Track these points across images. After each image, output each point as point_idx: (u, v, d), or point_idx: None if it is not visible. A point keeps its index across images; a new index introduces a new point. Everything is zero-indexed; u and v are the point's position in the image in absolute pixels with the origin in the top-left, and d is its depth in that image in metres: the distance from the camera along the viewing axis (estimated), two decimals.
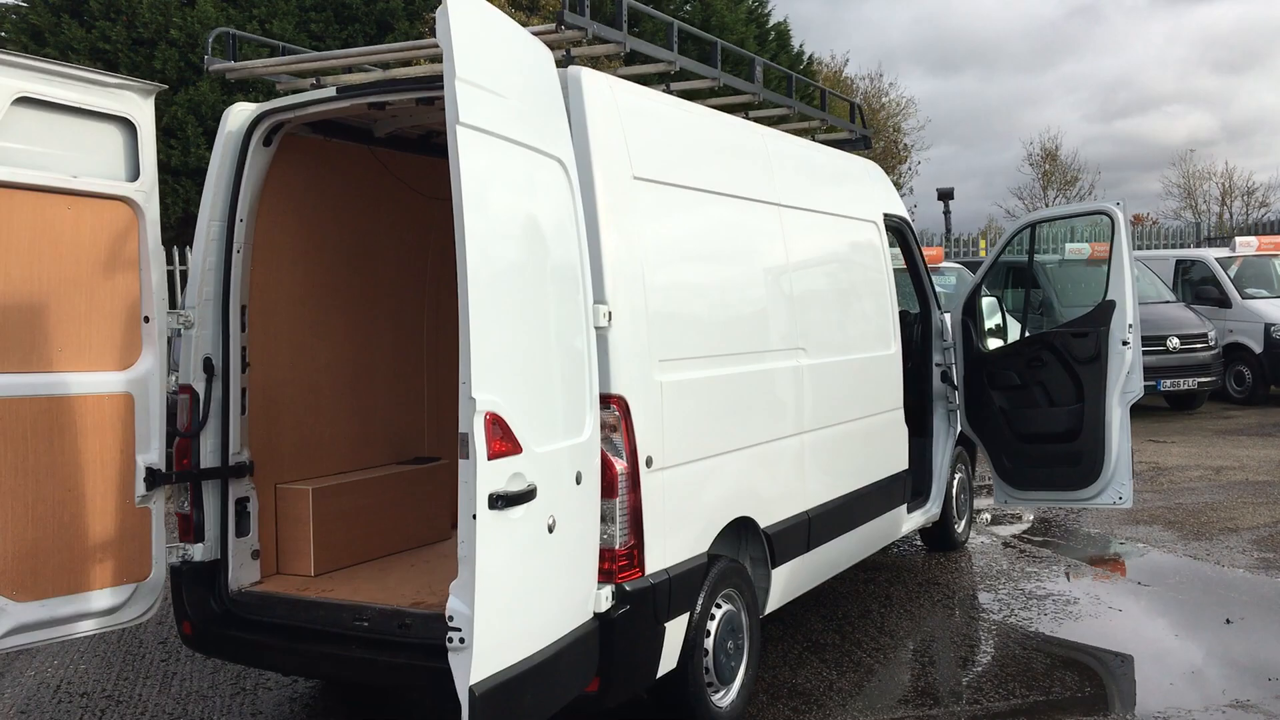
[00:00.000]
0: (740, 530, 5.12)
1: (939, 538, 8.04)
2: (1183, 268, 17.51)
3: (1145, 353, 14.93)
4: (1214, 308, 16.33)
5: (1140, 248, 22.47)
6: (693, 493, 4.59)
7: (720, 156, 5.20)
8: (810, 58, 33.07)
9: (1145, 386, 14.30)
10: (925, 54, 63.54)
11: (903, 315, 8.17)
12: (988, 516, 9.18)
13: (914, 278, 7.84)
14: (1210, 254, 17.50)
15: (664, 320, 4.45)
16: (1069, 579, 7.36)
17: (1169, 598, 6.90)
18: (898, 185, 43.74)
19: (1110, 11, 66.69)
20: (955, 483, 8.04)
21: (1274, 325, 15.67)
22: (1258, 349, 15.78)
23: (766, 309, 5.33)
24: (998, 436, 7.64)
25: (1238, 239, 17.56)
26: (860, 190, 6.82)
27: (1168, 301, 16.10)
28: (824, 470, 5.82)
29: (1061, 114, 63.88)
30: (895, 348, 6.89)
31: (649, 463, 4.25)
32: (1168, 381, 14.69)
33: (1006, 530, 8.74)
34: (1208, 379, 15.04)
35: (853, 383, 6.23)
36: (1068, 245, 16.70)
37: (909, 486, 7.08)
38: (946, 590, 7.13)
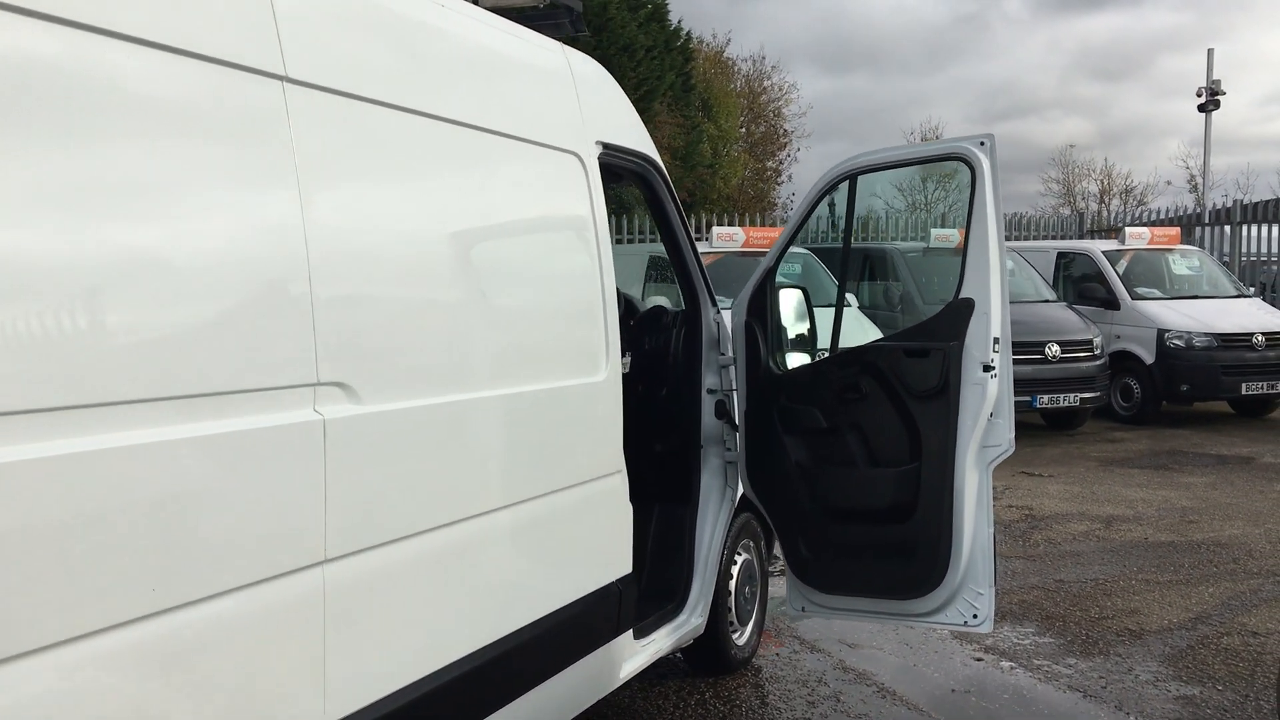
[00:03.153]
0: None
1: (707, 657, 5.24)
2: (1064, 261, 15.16)
3: (1019, 361, 12.38)
4: (1099, 309, 13.99)
5: (1018, 238, 20.22)
6: None
7: None
8: (688, 33, 30.51)
9: (1019, 403, 11.83)
10: (820, 53, 65.03)
11: (657, 314, 5.39)
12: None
13: (672, 254, 5.02)
14: (1096, 246, 15.18)
15: None
16: None
17: None
18: (777, 172, 41.63)
19: (994, 20, 69.24)
20: (737, 570, 5.27)
21: (1168, 331, 13.35)
22: (1149, 359, 13.45)
23: (194, 304, 2.40)
24: (792, 507, 4.88)
25: (1128, 230, 15.24)
26: (545, 95, 3.91)
27: (1047, 301, 13.69)
28: (393, 628, 2.92)
29: (946, 114, 66.13)
30: (608, 371, 4.04)
31: None
32: (1045, 397, 12.24)
33: (818, 631, 5.96)
34: (1092, 394, 12.63)
35: (493, 441, 3.35)
36: (934, 231, 14.20)
37: (632, 600, 4.25)
38: None
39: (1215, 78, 25.74)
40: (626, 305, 5.26)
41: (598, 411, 3.96)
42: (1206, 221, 20.45)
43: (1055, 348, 12.38)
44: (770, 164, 41.29)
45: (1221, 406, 14.55)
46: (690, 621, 4.86)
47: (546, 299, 3.73)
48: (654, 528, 5.03)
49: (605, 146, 4.19)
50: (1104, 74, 67.55)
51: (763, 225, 17.90)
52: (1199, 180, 39.94)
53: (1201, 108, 25.33)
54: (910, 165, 4.64)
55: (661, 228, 4.93)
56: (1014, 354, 4.56)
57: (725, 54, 41.19)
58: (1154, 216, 21.75)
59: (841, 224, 21.11)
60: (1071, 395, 12.41)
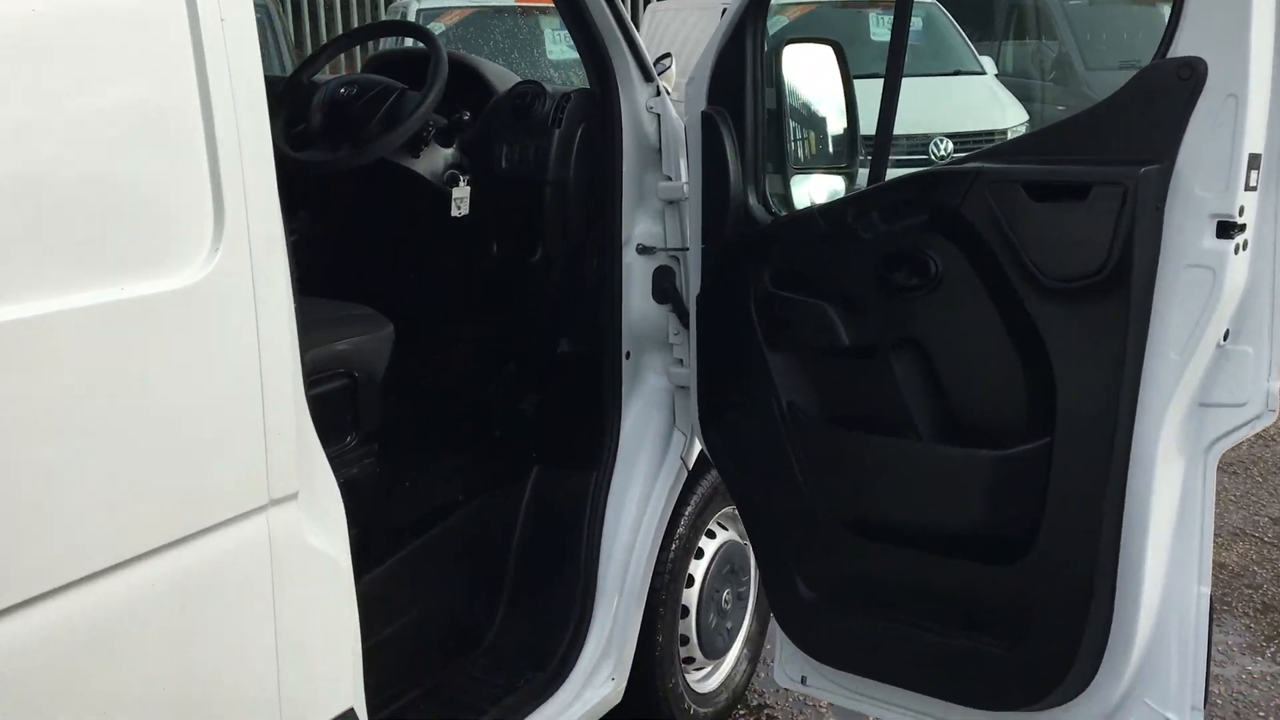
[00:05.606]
0: None
1: None
2: None
3: None
4: None
5: None
6: None
7: None
8: None
9: None
10: None
11: (524, 98, 2.79)
12: None
13: None
14: None
15: None
16: None
17: None
18: None
19: None
20: (705, 565, 2.92)
21: None
22: None
23: None
24: (781, 501, 2.41)
25: None
26: None
27: None
28: None
29: None
30: (223, 258, 1.51)
31: None
32: None
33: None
34: None
35: None
36: None
37: None
38: None
39: None
40: (463, 77, 2.69)
41: (189, 363, 1.53)
42: None
43: None
44: None
45: None
46: (585, 696, 2.55)
47: None
48: (524, 522, 2.67)
49: None
50: None
51: None
52: None
53: None
54: None
55: None
56: None
57: None
58: None
59: None
60: None
